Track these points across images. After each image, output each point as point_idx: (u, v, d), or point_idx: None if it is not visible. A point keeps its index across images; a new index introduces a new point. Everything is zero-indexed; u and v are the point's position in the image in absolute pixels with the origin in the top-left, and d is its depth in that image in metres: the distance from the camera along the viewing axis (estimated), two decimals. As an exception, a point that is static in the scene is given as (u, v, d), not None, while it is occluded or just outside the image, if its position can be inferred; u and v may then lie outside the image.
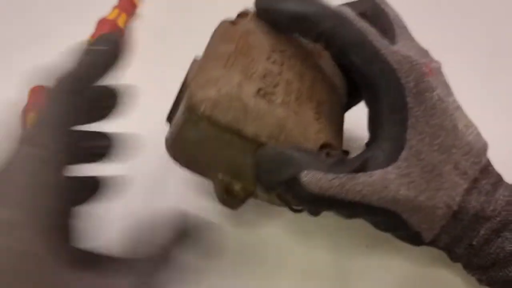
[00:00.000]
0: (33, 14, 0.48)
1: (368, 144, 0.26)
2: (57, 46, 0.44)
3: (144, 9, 0.49)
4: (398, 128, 0.24)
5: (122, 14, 0.44)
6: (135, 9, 0.47)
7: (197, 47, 0.44)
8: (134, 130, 0.38)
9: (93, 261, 0.20)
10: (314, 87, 0.27)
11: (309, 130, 0.25)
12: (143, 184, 0.33)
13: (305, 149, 0.24)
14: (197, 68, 0.26)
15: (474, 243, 0.24)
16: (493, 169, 0.26)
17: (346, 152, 0.27)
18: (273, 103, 0.25)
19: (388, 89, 0.24)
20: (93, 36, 0.41)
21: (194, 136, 0.25)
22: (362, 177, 0.23)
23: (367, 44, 0.24)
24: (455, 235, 0.25)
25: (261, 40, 0.27)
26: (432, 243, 0.25)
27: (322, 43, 0.26)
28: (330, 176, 0.23)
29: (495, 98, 0.39)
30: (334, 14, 0.25)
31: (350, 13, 0.25)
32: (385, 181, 0.23)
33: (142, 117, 0.37)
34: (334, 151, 0.25)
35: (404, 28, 0.27)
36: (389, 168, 0.23)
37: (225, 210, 0.27)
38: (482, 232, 0.24)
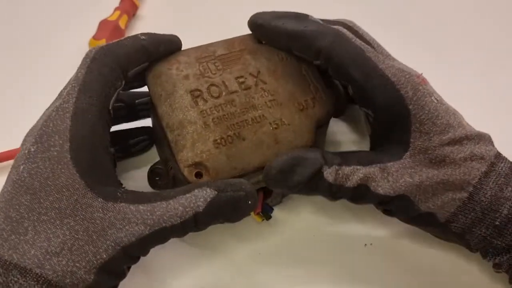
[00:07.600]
0: (36, 15, 0.48)
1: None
2: (60, 47, 0.44)
3: (145, 11, 0.49)
4: (400, 134, 0.25)
5: (123, 16, 0.45)
6: (136, 11, 0.48)
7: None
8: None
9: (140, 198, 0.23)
10: (272, 109, 0.27)
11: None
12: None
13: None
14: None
15: (497, 223, 0.25)
16: (504, 156, 0.27)
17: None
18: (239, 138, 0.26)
19: (389, 100, 0.25)
20: (95, 37, 0.41)
21: None
22: (362, 170, 0.24)
23: (365, 60, 0.26)
24: (474, 216, 0.25)
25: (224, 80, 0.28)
26: (449, 223, 0.26)
27: (321, 59, 0.27)
28: (345, 168, 0.24)
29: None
30: (332, 32, 0.26)
31: (347, 32, 0.27)
32: (383, 173, 0.24)
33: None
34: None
35: (380, 47, 0.28)
36: (389, 164, 0.25)
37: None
38: (505, 212, 0.25)
